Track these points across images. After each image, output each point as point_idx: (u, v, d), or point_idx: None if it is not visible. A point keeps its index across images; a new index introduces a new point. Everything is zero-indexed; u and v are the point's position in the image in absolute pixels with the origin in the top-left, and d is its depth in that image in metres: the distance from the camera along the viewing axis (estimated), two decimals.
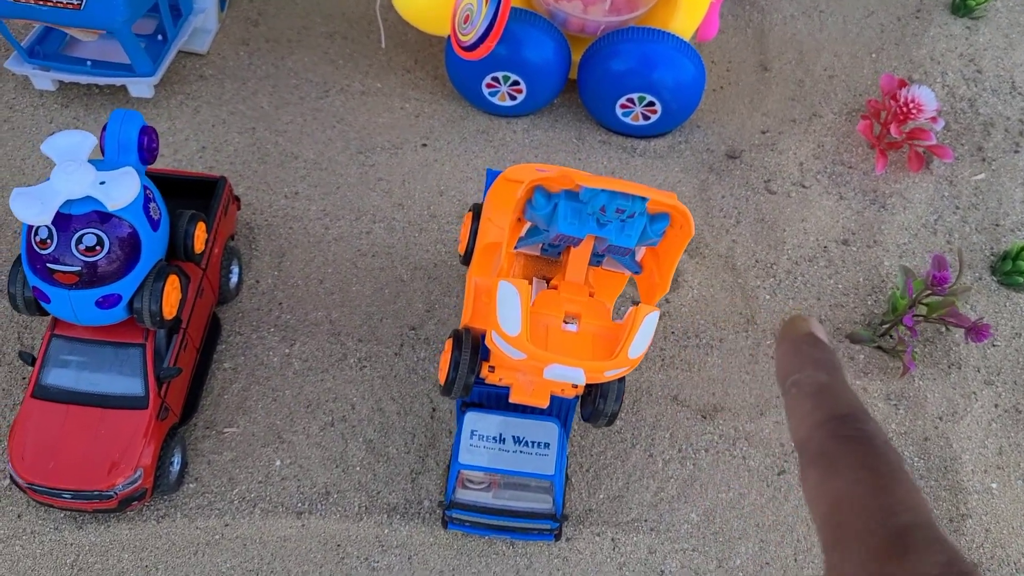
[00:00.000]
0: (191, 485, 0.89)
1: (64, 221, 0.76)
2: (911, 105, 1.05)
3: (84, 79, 1.09)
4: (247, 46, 1.22)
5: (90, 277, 0.77)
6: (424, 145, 1.14)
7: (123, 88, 1.12)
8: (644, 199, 0.63)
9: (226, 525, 0.87)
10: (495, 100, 1.14)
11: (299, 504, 0.89)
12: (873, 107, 1.10)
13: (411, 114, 1.18)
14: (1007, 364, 0.99)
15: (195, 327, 0.91)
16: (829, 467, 0.27)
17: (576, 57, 1.13)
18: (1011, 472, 0.92)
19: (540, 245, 0.75)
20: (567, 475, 0.90)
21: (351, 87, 1.19)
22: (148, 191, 0.81)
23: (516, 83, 1.11)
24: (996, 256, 1.06)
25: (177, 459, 0.88)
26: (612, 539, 0.88)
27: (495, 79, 1.11)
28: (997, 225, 1.09)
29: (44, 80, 1.10)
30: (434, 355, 0.98)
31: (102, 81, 1.09)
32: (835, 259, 1.06)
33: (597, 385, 0.77)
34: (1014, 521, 0.90)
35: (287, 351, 0.97)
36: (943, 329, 1.00)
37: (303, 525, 0.87)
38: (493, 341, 0.70)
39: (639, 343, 0.68)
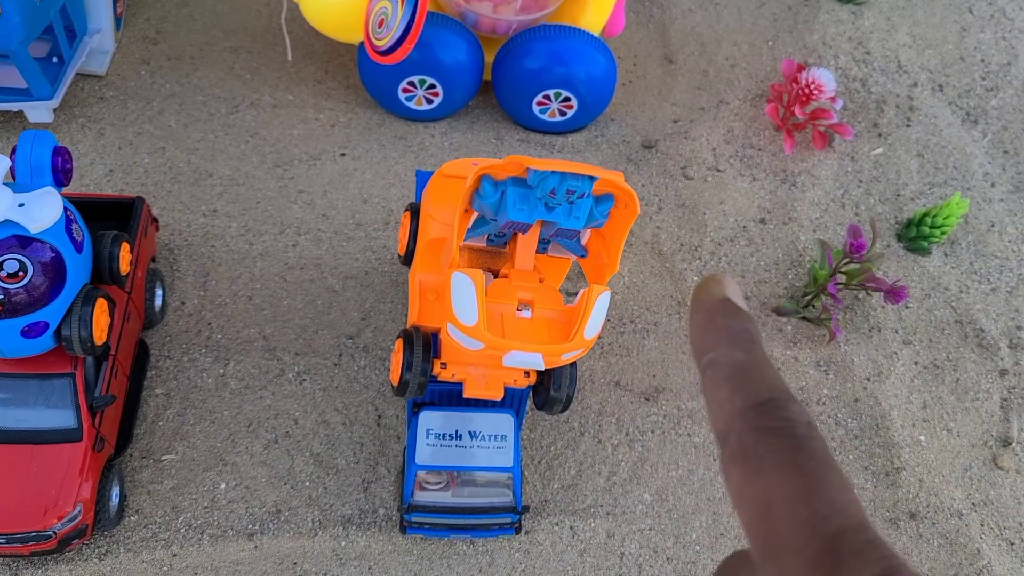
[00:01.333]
0: (132, 518, 0.85)
1: None
2: (812, 86, 1.10)
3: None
4: (148, 65, 1.19)
5: (14, 306, 0.73)
6: (343, 154, 1.13)
7: (20, 114, 1.07)
8: (592, 179, 0.64)
9: (174, 555, 0.84)
10: (412, 105, 1.13)
11: (249, 526, 0.86)
12: (776, 91, 1.15)
13: (326, 124, 1.16)
14: (921, 324, 1.05)
15: (124, 353, 0.87)
16: (752, 465, 0.25)
17: (489, 58, 1.14)
18: (935, 424, 0.97)
19: (486, 236, 0.75)
20: (521, 470, 0.91)
21: (261, 101, 1.17)
22: (69, 212, 0.78)
23: (432, 86, 1.11)
24: (900, 224, 1.12)
25: (116, 492, 0.84)
26: (571, 527, 0.89)
27: (411, 83, 1.10)
28: (898, 195, 1.15)
29: None
30: (374, 362, 0.97)
31: None
32: (755, 237, 1.10)
33: (549, 373, 0.77)
34: (943, 469, 0.95)
35: (221, 371, 0.94)
36: (860, 296, 1.05)
37: (255, 547, 0.85)
38: (449, 334, 0.69)
39: (593, 324, 0.69)
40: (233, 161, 1.10)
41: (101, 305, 0.79)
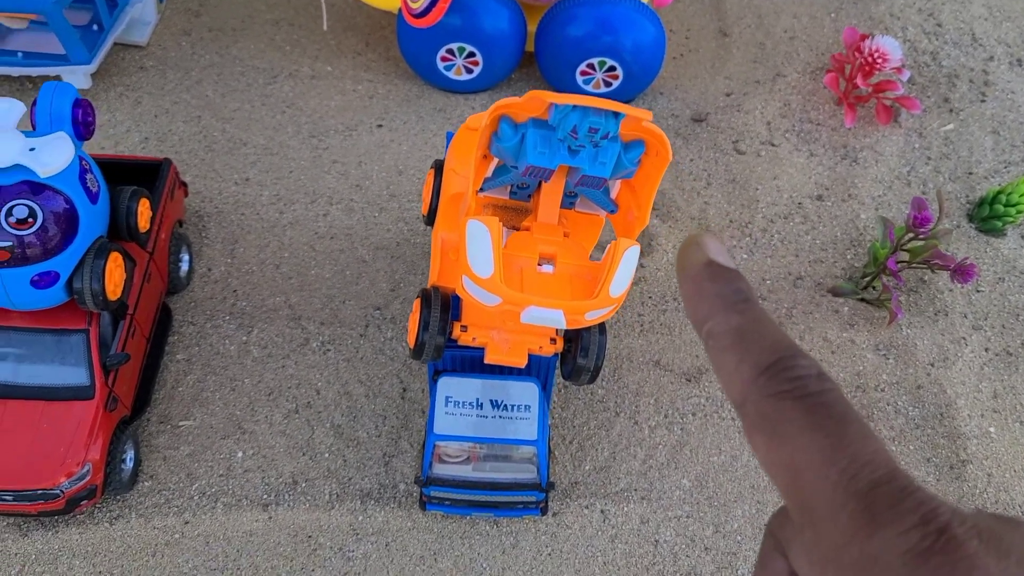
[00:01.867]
0: (146, 483, 0.83)
1: None
2: (876, 56, 1.03)
3: (16, 71, 1.04)
4: (189, 36, 1.17)
5: (23, 253, 0.71)
6: (379, 126, 1.10)
7: (58, 79, 1.06)
8: (618, 117, 0.59)
9: (186, 523, 0.80)
10: (451, 75, 1.10)
11: (264, 496, 0.82)
12: (838, 61, 1.08)
13: (364, 96, 1.13)
14: (993, 309, 0.96)
15: (143, 314, 0.85)
16: (773, 433, 0.25)
17: (532, 28, 1.09)
18: (1008, 415, 0.89)
19: (508, 188, 0.70)
20: (549, 447, 0.85)
21: (300, 72, 1.15)
22: (84, 162, 0.76)
23: (472, 55, 1.07)
24: (972, 204, 1.04)
25: (130, 456, 0.81)
26: (602, 511, 0.83)
27: (450, 51, 1.07)
28: (970, 173, 1.07)
29: None
30: (402, 334, 0.93)
31: (35, 72, 1.03)
32: (810, 215, 1.03)
33: (577, 340, 0.72)
34: (1015, 464, 0.86)
35: (244, 339, 0.92)
36: (925, 278, 0.97)
37: (270, 517, 0.81)
38: (464, 288, 0.65)
39: (620, 280, 0.63)
40: (268, 131, 1.08)
41: (115, 259, 0.76)
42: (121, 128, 1.07)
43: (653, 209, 1.03)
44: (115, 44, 1.13)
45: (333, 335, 0.92)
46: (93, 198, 0.75)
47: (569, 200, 0.70)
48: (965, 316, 0.95)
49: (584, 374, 0.73)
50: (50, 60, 1.03)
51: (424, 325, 0.69)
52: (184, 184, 0.96)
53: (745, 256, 0.99)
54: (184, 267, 0.94)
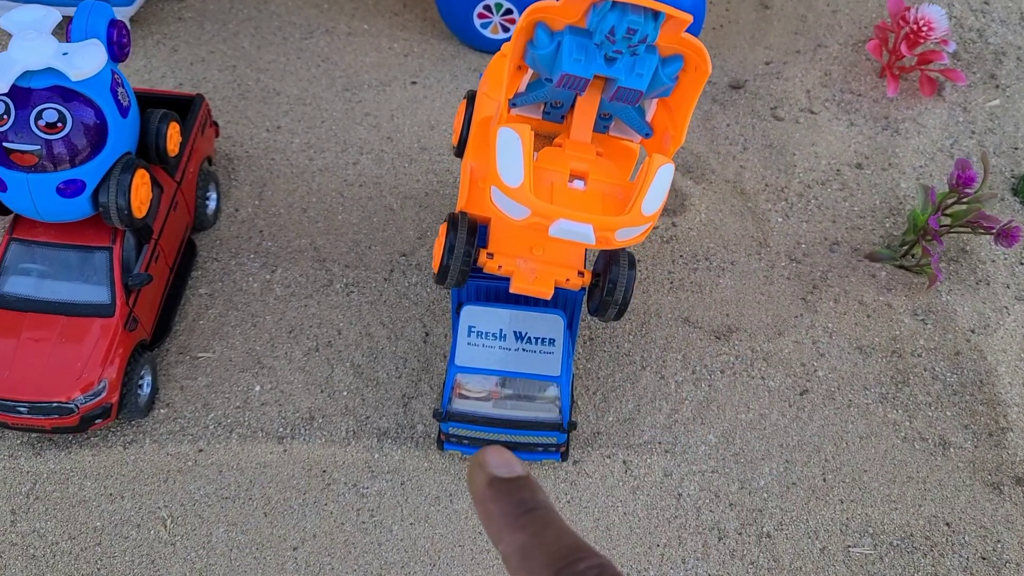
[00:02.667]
0: (162, 411, 0.82)
1: (23, 95, 0.70)
2: (921, 24, 1.01)
3: (57, 10, 1.04)
4: None
5: (50, 159, 0.70)
6: (414, 83, 1.09)
7: None
8: (658, 18, 0.57)
9: (200, 451, 0.79)
10: (487, 33, 1.09)
11: (280, 429, 0.81)
12: (882, 30, 1.06)
13: (400, 53, 1.13)
14: None
15: (168, 241, 0.84)
16: None
17: None
18: None
19: (541, 107, 0.69)
20: (572, 394, 0.83)
21: (337, 28, 1.15)
22: (116, 76, 0.75)
23: (508, 12, 1.06)
24: (1017, 178, 1.01)
25: (147, 381, 0.80)
26: (624, 461, 0.81)
27: (487, 8, 1.06)
28: (1016, 148, 1.04)
29: None
30: (427, 280, 0.91)
31: (73, 12, 1.03)
32: (849, 182, 1.00)
33: (605, 273, 0.70)
34: None
35: (268, 277, 0.91)
36: (967, 248, 0.94)
37: (285, 450, 0.80)
38: (492, 201, 0.63)
39: (653, 197, 0.62)
40: (302, 83, 1.08)
41: (142, 176, 0.76)
42: (156, 74, 1.07)
43: (688, 171, 1.01)
44: None
45: (357, 278, 0.91)
46: (123, 112, 0.75)
47: (603, 124, 0.69)
48: (1008, 287, 0.92)
49: (612, 308, 0.71)
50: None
51: (449, 248, 0.68)
52: (216, 124, 0.96)
53: (780, 220, 0.97)
54: (212, 205, 0.93)
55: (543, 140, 0.72)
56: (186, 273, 0.89)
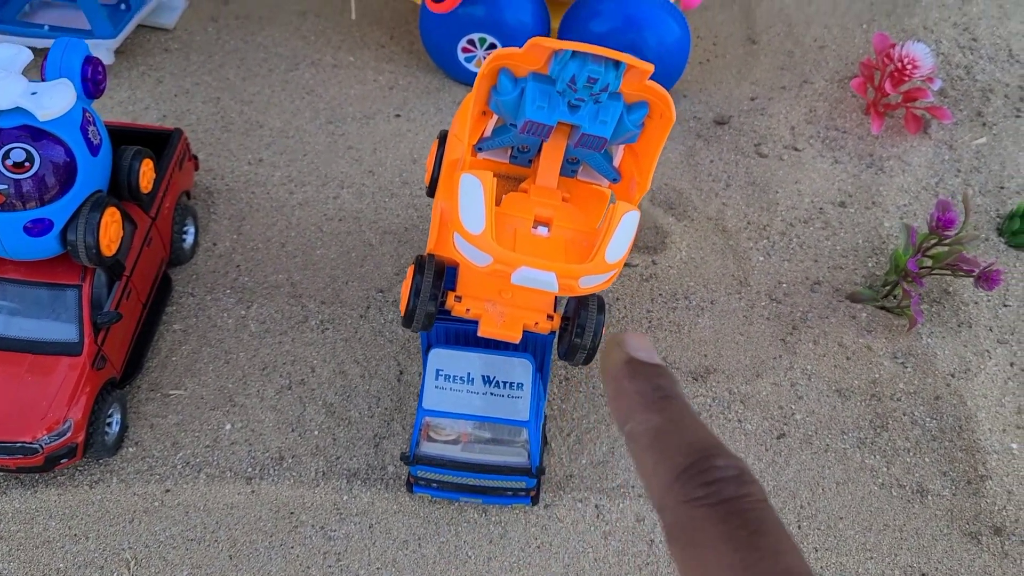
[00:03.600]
0: (130, 449, 0.81)
1: None
2: (906, 61, 1.01)
3: (41, 43, 1.04)
4: (216, 22, 1.18)
5: (18, 197, 0.70)
6: (397, 115, 1.09)
7: None
8: (619, 68, 0.57)
9: (167, 491, 0.78)
10: (471, 67, 1.09)
11: (249, 469, 0.80)
12: (867, 67, 1.05)
13: (384, 86, 1.13)
14: (1020, 324, 0.92)
15: (141, 278, 0.84)
16: (687, 544, 0.24)
17: (555, 24, 1.08)
18: None
19: (508, 152, 0.68)
20: (545, 437, 0.82)
21: (322, 61, 1.15)
22: (88, 114, 0.75)
23: (493, 46, 1.06)
24: (1002, 218, 1.00)
25: (116, 419, 0.80)
26: (596, 506, 0.80)
27: (471, 42, 1.06)
28: (1001, 188, 1.03)
29: None
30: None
31: None
32: (832, 220, 0.99)
33: (574, 318, 0.70)
34: None
35: (243, 313, 0.90)
36: (949, 289, 0.93)
37: (253, 491, 0.79)
38: (456, 246, 0.63)
39: (617, 245, 0.61)
40: (286, 115, 1.08)
41: (112, 214, 0.75)
42: (140, 105, 1.07)
43: (669, 208, 1.01)
44: (142, 26, 1.14)
45: (333, 314, 0.91)
46: (94, 150, 0.74)
47: (571, 168, 0.68)
48: (990, 329, 0.91)
49: (580, 353, 0.70)
50: (74, 34, 1.04)
51: (415, 291, 0.67)
52: (195, 157, 0.96)
53: (761, 259, 0.96)
54: (189, 239, 0.93)
55: (513, 182, 0.72)
56: (160, 308, 0.89)
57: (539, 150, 0.66)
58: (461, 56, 1.08)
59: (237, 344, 0.88)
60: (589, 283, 0.62)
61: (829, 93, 1.11)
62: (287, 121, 1.07)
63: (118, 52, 1.10)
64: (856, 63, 1.14)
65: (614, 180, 0.67)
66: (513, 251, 0.62)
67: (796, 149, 1.05)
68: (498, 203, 0.70)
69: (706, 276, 0.95)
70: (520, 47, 0.59)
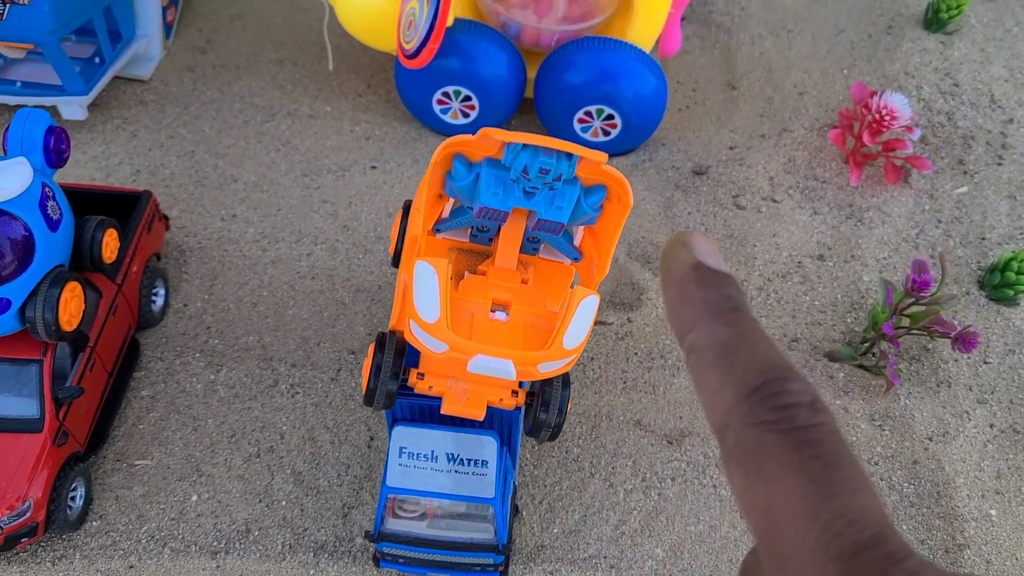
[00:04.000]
0: (94, 523, 0.80)
1: None
2: (884, 112, 0.99)
3: (13, 100, 1.04)
4: (192, 72, 1.18)
5: None
6: (373, 167, 1.08)
7: (55, 110, 1.06)
8: (572, 158, 0.56)
9: (130, 567, 0.77)
10: (447, 118, 1.08)
11: (215, 543, 0.79)
12: (845, 117, 1.04)
13: (361, 136, 1.12)
14: (1001, 382, 0.91)
15: (106, 347, 0.83)
16: (752, 469, 0.22)
17: (532, 73, 1.08)
18: (1011, 497, 0.83)
19: (469, 230, 0.67)
20: (516, 506, 0.81)
21: (299, 111, 1.14)
22: (48, 188, 0.74)
23: (468, 99, 1.05)
24: (984, 270, 0.99)
25: (80, 493, 0.79)
26: None
27: (446, 95, 1.05)
28: (983, 239, 1.02)
29: None
30: None
31: (32, 101, 1.03)
32: (810, 275, 0.98)
33: (539, 394, 0.68)
34: (1018, 551, 0.80)
35: (212, 377, 0.89)
36: (929, 346, 0.92)
37: (218, 566, 0.78)
38: (412, 333, 0.62)
39: (575, 331, 0.60)
40: (261, 168, 1.07)
41: (72, 288, 0.74)
42: (114, 160, 1.06)
43: (646, 262, 0.99)
44: (117, 78, 1.13)
45: (303, 378, 0.90)
46: (53, 226, 0.74)
47: (532, 246, 0.67)
48: (970, 388, 0.90)
49: (544, 430, 0.69)
50: (47, 90, 1.03)
51: (376, 370, 0.66)
52: (166, 217, 0.95)
53: None
54: (159, 302, 0.92)
55: (477, 257, 0.71)
56: (128, 375, 0.88)
57: (498, 230, 0.65)
58: (437, 108, 1.07)
59: (206, 410, 0.87)
60: (548, 368, 0.61)
61: (809, 141, 1.10)
62: (262, 174, 1.06)
63: (93, 105, 1.09)
64: (835, 110, 1.13)
65: (575, 259, 0.66)
66: (470, 338, 0.61)
67: (775, 200, 1.04)
68: (460, 277, 0.69)
69: None
70: (473, 134, 0.58)
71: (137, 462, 0.84)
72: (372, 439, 0.86)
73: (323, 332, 0.93)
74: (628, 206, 0.59)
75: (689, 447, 0.86)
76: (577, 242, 0.66)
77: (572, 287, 0.60)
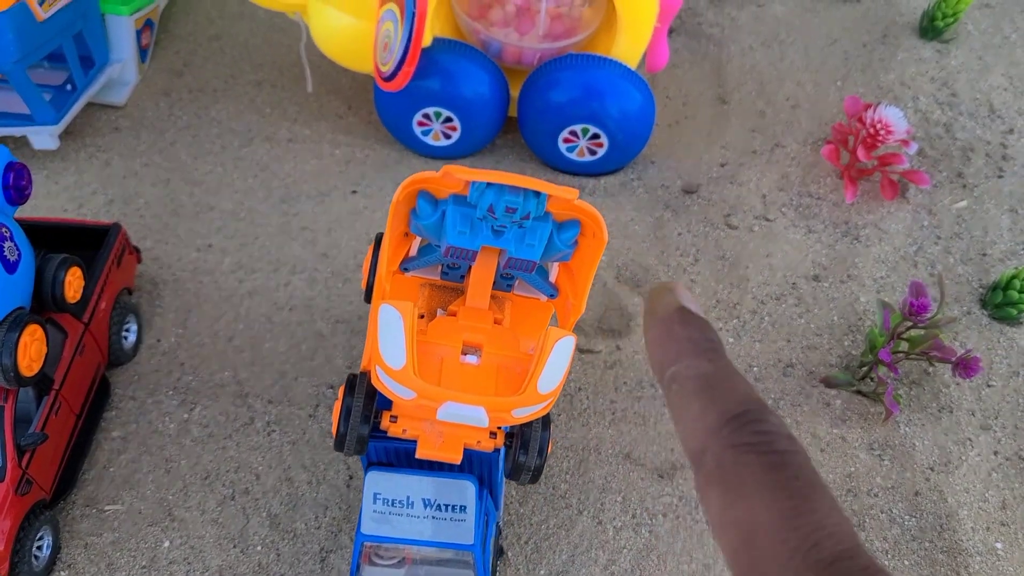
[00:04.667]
0: (62, 573, 0.77)
1: None
2: (879, 127, 0.96)
3: None
4: (168, 97, 1.15)
5: None
6: (354, 192, 1.05)
7: (25, 141, 1.04)
8: (539, 196, 0.53)
9: None
10: (428, 140, 1.05)
11: None
12: (839, 132, 1.01)
13: (341, 160, 1.09)
14: (1005, 406, 0.87)
15: (73, 389, 0.80)
16: (731, 487, 0.23)
17: (515, 92, 1.05)
18: (1017, 529, 0.79)
19: (438, 269, 0.64)
20: (502, 547, 0.78)
21: (277, 135, 1.11)
22: (5, 229, 0.72)
23: (449, 120, 1.02)
24: (985, 288, 0.95)
25: (47, 543, 0.76)
26: None
27: (426, 116, 1.02)
28: (984, 255, 0.98)
29: None
30: None
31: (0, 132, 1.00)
32: (805, 296, 0.95)
33: (518, 435, 0.65)
34: None
35: (186, 416, 0.86)
36: (930, 369, 0.89)
37: None
38: (379, 379, 0.58)
39: (550, 375, 0.56)
40: (238, 195, 1.04)
41: (32, 332, 0.71)
42: (87, 190, 1.03)
43: (635, 286, 0.96)
44: (91, 104, 1.10)
45: (280, 415, 0.86)
46: (10, 268, 0.71)
47: (506, 282, 0.64)
48: (973, 414, 0.86)
49: (524, 473, 0.65)
50: (15, 120, 1.01)
51: (346, 414, 0.63)
52: (137, 250, 0.92)
53: (732, 340, 0.92)
54: (130, 338, 0.89)
55: (449, 292, 0.68)
56: (97, 415, 0.85)
57: (469, 268, 0.62)
58: (417, 130, 1.04)
59: (179, 451, 0.84)
60: (522, 413, 0.58)
61: (802, 157, 1.06)
62: (239, 202, 1.03)
63: (65, 133, 1.06)
64: (830, 123, 1.09)
65: (551, 296, 0.63)
66: (439, 383, 0.58)
67: (767, 219, 1.01)
68: (432, 315, 0.66)
69: None
70: (455, 157, 0.55)
71: (107, 507, 0.80)
72: (351, 478, 0.83)
73: (301, 366, 0.90)
74: (603, 242, 0.56)
75: (681, 481, 0.83)
76: (553, 278, 0.63)
77: (548, 328, 0.57)
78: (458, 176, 0.53)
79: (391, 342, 0.56)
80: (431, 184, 0.55)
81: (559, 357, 0.57)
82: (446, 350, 0.59)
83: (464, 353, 0.60)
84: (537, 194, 0.53)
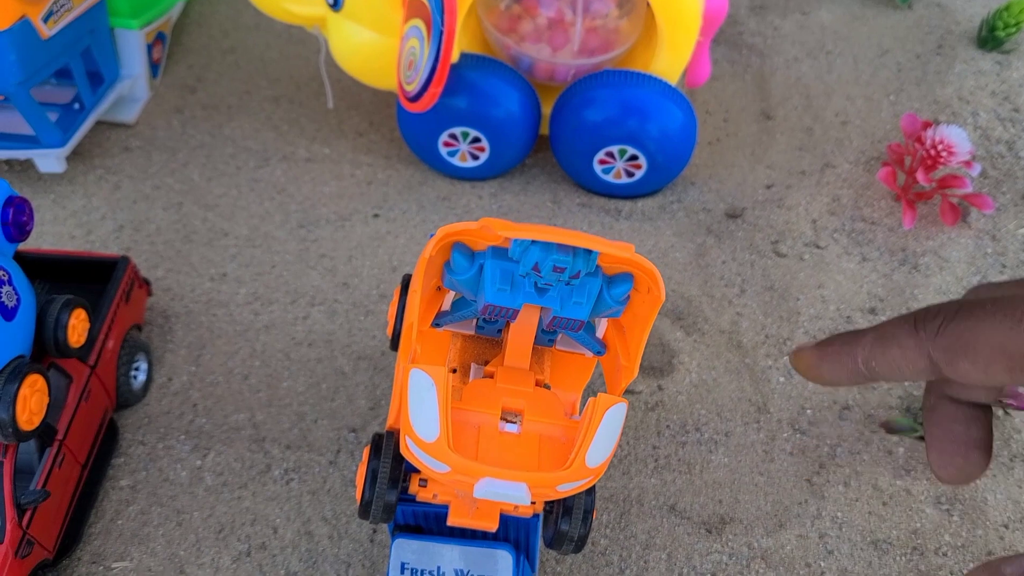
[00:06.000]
0: None
1: None
2: (940, 147, 0.89)
3: None
4: (181, 114, 1.09)
5: None
6: (376, 215, 0.99)
7: (31, 164, 0.99)
8: (591, 253, 0.47)
9: None
10: (455, 161, 0.99)
11: None
12: (895, 152, 0.94)
13: (362, 181, 1.03)
14: None
15: (77, 438, 0.75)
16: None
17: (547, 110, 0.98)
18: None
19: (473, 322, 0.58)
20: None
21: (295, 154, 1.05)
22: (2, 272, 0.66)
23: (477, 140, 0.96)
24: None
25: None
26: None
27: (452, 136, 0.96)
28: None
29: None
30: None
31: (3, 155, 0.95)
32: None
33: (560, 501, 0.59)
34: None
35: (198, 463, 0.80)
36: (1000, 413, 0.82)
37: None
38: (408, 449, 0.52)
39: (600, 447, 0.50)
40: (254, 220, 0.99)
41: (33, 383, 0.66)
42: (96, 215, 0.98)
43: (678, 319, 0.90)
44: (100, 123, 1.05)
45: (299, 461, 0.81)
46: (8, 314, 0.65)
47: (548, 337, 0.58)
48: None
49: (567, 543, 0.60)
50: (20, 142, 0.96)
51: (371, 478, 0.57)
52: (147, 283, 0.86)
53: (782, 379, 0.85)
54: (140, 377, 0.84)
55: (485, 345, 0.62)
56: (105, 463, 0.79)
57: (507, 324, 0.56)
58: (443, 151, 0.98)
59: (191, 501, 0.78)
60: (568, 488, 0.52)
61: (854, 178, 1.00)
62: (255, 227, 0.98)
63: (73, 155, 1.01)
64: (883, 141, 1.02)
65: (598, 353, 0.57)
66: (476, 456, 0.52)
67: (818, 247, 0.94)
68: (466, 369, 0.60)
69: (720, 402, 0.84)
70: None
71: (114, 564, 0.75)
72: (375, 532, 0.77)
73: (320, 407, 0.84)
74: (659, 300, 0.50)
75: (731, 536, 0.76)
76: (600, 334, 0.57)
77: (598, 394, 0.51)
78: (499, 232, 0.47)
79: (423, 413, 0.50)
80: (467, 236, 0.49)
81: (609, 427, 0.51)
82: (483, 417, 0.53)
83: (503, 420, 0.54)
84: (589, 252, 0.47)
